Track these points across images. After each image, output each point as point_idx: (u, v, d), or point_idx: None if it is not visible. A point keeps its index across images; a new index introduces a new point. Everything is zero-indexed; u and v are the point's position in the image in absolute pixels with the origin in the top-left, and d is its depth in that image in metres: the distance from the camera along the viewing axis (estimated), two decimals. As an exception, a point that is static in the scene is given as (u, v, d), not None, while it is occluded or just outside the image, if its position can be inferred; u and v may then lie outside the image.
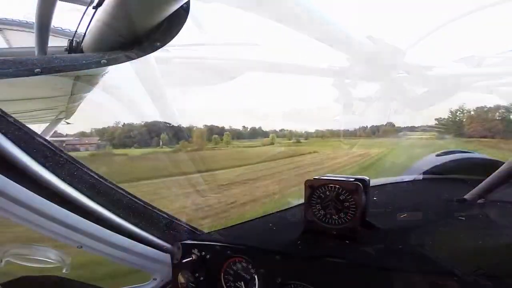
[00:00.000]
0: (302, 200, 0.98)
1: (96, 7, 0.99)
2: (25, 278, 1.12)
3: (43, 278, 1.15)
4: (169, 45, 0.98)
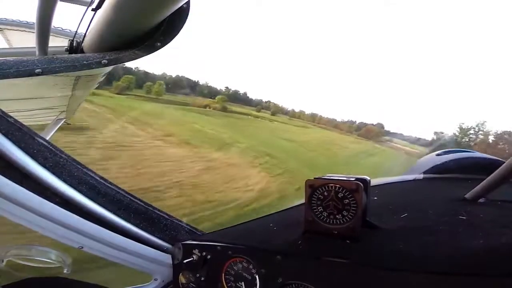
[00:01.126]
0: (302, 200, 0.98)
1: (95, 9, 0.99)
2: (29, 280, 1.12)
3: (47, 280, 1.15)
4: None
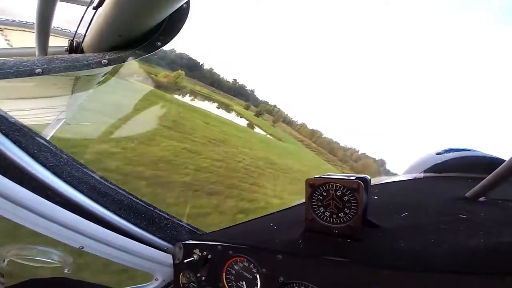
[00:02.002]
0: (303, 199, 0.97)
1: (96, 8, 0.99)
2: (32, 280, 1.12)
3: (51, 281, 1.15)
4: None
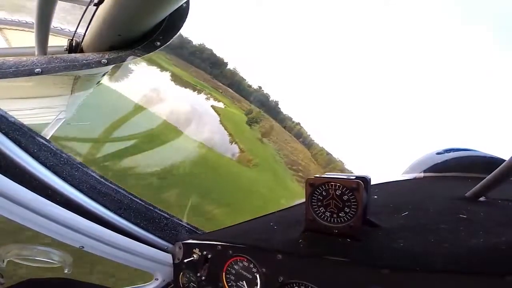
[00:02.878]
0: (303, 199, 0.97)
1: (97, 4, 0.99)
2: (32, 280, 1.12)
3: (50, 281, 1.15)
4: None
